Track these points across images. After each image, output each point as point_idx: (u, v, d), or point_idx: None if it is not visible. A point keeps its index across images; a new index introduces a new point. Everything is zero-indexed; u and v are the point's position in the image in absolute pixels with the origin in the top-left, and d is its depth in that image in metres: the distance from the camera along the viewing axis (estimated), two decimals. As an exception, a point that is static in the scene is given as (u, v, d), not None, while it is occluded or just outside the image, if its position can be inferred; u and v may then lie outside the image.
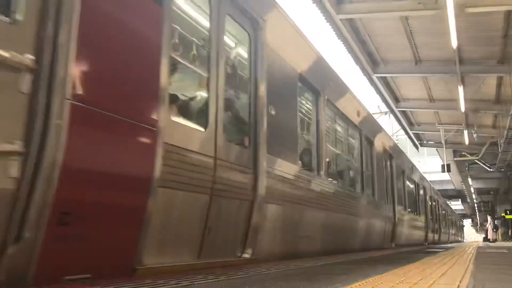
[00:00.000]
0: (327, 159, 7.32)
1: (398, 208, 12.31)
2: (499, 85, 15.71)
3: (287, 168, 5.33)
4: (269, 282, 2.85)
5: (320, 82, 6.89)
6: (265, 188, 4.68)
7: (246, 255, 4.49)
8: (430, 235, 19.51)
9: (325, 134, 7.01)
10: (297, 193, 5.69)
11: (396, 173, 12.80)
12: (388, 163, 12.25)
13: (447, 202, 34.76)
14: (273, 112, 4.99)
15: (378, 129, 11.37)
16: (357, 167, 9.40)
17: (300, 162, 6.11)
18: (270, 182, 4.84)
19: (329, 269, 3.91)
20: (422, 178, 19.08)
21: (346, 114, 8.49)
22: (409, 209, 14.62)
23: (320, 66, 7.12)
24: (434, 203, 21.81)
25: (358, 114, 9.28)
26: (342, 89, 8.36)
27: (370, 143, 10.19)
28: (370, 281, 2.91)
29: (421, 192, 17.93)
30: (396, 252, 8.46)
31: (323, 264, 4.54)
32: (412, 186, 16.29)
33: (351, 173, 9.29)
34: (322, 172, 6.62)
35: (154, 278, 2.89)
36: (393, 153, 12.87)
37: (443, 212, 27.29)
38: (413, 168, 16.62)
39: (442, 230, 25.31)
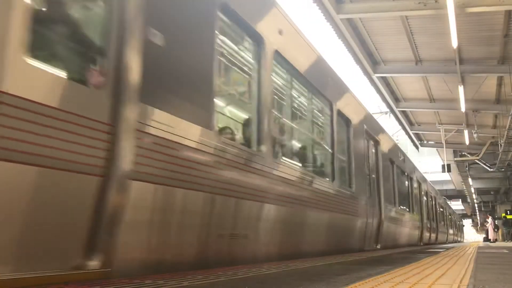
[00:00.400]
0: (277, 134, 5.66)
1: (385, 203, 10.50)
2: (499, 85, 15.73)
3: (188, 131, 3.54)
4: (270, 282, 2.84)
5: (263, 25, 4.98)
6: (134, 156, 2.95)
7: (91, 267, 2.73)
8: (426, 234, 17.65)
9: (272, 99, 5.25)
10: (212, 171, 3.85)
11: (382, 162, 10.77)
12: (372, 149, 10.08)
13: (446, 200, 32.75)
14: (157, 41, 3.28)
15: (356, 105, 8.89)
16: (325, 148, 7.35)
17: (221, 128, 4.44)
18: (148, 148, 3.12)
19: (330, 269, 3.90)
20: (417, 171, 17.10)
21: (310, 80, 6.42)
22: (400, 206, 12.70)
23: (265, 3, 5.23)
24: (430, 200, 19.94)
25: (328, 82, 7.16)
26: (302, 44, 6.22)
27: (346, 121, 8.02)
28: (370, 281, 2.91)
29: (415, 187, 15.97)
30: (397, 252, 8.46)
31: (323, 264, 4.53)
32: (404, 179, 14.24)
33: (316, 155, 7.29)
34: (263, 148, 4.80)
35: (154, 278, 2.88)
36: (379, 137, 10.57)
37: (441, 210, 25.15)
38: (405, 158, 14.45)
39: (440, 230, 23.23)
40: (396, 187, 12.43)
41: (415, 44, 13.41)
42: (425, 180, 19.26)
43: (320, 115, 7.39)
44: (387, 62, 14.87)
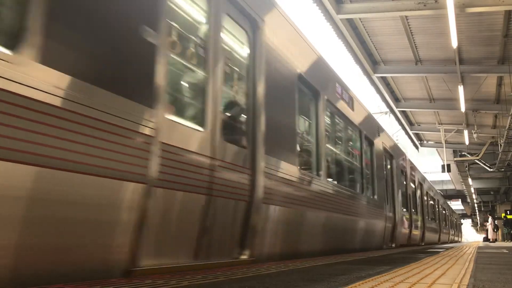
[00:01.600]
0: None
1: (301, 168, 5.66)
2: (499, 85, 15.74)
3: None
4: (269, 281, 2.84)
5: None
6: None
7: None
8: (403, 232, 12.64)
9: None
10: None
11: (299, 91, 5.74)
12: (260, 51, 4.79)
13: (439, 193, 26.69)
14: None
15: None
16: None
17: None
18: None
19: (330, 269, 3.90)
20: (385, 135, 11.55)
21: None
22: (342, 180, 8.11)
23: None
24: (413, 186, 15.15)
25: None
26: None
27: None
28: (370, 281, 2.90)
29: (383, 160, 10.91)
30: (397, 252, 8.46)
31: (323, 264, 4.53)
32: (356, 141, 9.17)
33: None
34: None
35: (154, 278, 2.88)
36: (288, 47, 5.46)
37: (431, 202, 20.16)
38: (363, 110, 9.43)
39: (428, 226, 18.19)
40: (335, 147, 7.88)
41: (415, 44, 13.40)
42: (403, 155, 13.88)
43: None
44: (387, 62, 14.87)
